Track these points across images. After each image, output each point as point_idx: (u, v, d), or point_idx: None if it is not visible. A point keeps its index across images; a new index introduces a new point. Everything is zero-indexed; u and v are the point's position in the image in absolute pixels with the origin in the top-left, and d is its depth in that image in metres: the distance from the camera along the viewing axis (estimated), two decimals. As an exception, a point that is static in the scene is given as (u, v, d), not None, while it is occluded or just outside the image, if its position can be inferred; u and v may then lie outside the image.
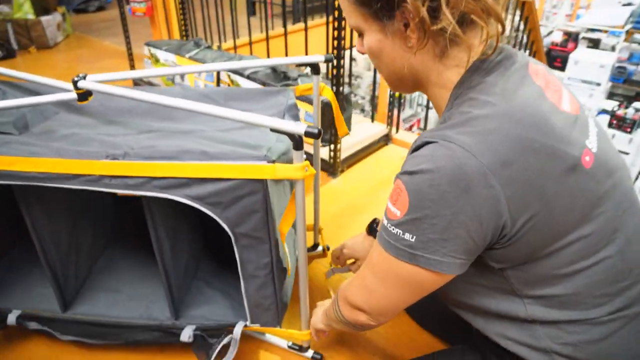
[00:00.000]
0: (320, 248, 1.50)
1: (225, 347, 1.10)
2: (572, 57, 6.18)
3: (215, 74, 2.27)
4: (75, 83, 1.00)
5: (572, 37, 7.50)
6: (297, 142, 0.84)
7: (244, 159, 0.88)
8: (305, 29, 2.31)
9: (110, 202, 1.43)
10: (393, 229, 0.67)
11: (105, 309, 1.22)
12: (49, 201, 1.08)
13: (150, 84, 2.75)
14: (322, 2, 4.56)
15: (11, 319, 1.18)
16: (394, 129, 2.31)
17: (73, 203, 1.19)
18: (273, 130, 0.85)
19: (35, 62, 3.68)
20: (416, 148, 0.68)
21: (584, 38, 7.62)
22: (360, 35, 0.77)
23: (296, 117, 1.13)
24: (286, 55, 2.52)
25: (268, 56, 2.60)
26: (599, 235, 0.67)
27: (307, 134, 0.81)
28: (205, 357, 1.09)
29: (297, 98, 1.21)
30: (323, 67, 6.26)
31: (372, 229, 1.17)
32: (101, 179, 0.92)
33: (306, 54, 2.44)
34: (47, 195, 1.05)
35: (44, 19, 3.83)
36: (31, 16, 3.75)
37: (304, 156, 0.87)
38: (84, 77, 1.01)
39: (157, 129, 1.05)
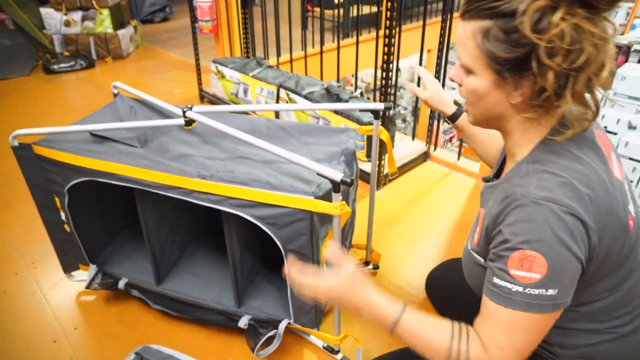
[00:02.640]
0: (371, 266, 1.72)
1: (271, 339, 1.34)
2: (620, 72, 6.13)
3: (275, 91, 2.57)
4: (184, 112, 1.31)
5: (622, 50, 7.39)
6: (335, 186, 1.05)
7: (297, 192, 1.10)
8: (357, 44, 2.57)
9: (200, 206, 1.75)
10: (534, 291, 0.74)
11: (187, 289, 1.51)
12: (157, 200, 1.40)
13: (217, 98, 3.09)
14: (370, 17, 4.81)
15: (120, 284, 1.54)
16: (432, 147, 2.53)
17: (173, 204, 1.50)
18: (318, 174, 1.07)
19: (111, 70, 4.11)
20: (523, 210, 0.75)
21: (635, 51, 7.48)
22: (468, 71, 0.82)
23: (350, 162, 1.35)
24: (338, 70, 2.79)
25: (321, 71, 2.88)
26: (624, 276, 0.84)
27: (343, 182, 1.02)
28: (253, 344, 1.34)
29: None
30: (370, 79, 6.46)
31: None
32: (192, 192, 1.22)
33: (356, 68, 2.70)
34: (156, 196, 1.36)
35: (120, 32, 4.27)
36: (110, 30, 4.19)
37: (341, 197, 1.06)
38: (190, 108, 1.32)
39: (241, 154, 1.33)
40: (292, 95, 2.46)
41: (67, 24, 4.11)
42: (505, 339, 0.78)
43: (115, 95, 1.69)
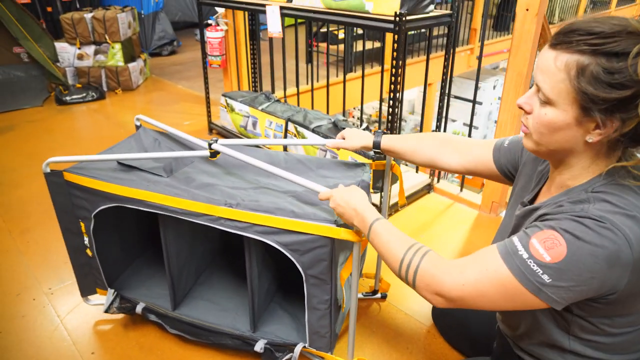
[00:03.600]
0: (379, 295, 1.77)
1: None
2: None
3: (283, 124, 2.67)
4: (209, 145, 1.40)
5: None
6: None
7: (320, 220, 1.19)
8: (362, 77, 2.69)
9: (217, 233, 1.81)
10: (534, 266, 0.75)
11: (203, 315, 1.57)
12: (178, 226, 1.47)
13: (226, 130, 3.19)
14: (372, 53, 4.98)
15: (138, 308, 1.59)
16: (435, 179, 2.62)
17: (193, 230, 1.57)
18: None
19: (121, 102, 4.24)
20: (580, 216, 0.75)
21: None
22: (547, 102, 0.79)
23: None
24: (344, 103, 2.90)
25: (327, 105, 2.99)
26: None
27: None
28: None
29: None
30: (371, 111, 6.61)
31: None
32: (219, 219, 1.29)
33: (362, 102, 2.81)
34: (178, 223, 1.43)
35: (131, 65, 4.42)
36: (121, 63, 4.34)
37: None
38: (216, 141, 1.42)
39: (263, 184, 1.41)
40: (300, 129, 2.56)
41: (80, 57, 4.26)
42: (474, 275, 0.81)
43: (137, 127, 1.77)
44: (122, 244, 1.73)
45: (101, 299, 1.67)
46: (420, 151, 1.28)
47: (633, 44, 0.69)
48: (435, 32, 4.89)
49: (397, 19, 1.92)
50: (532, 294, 0.77)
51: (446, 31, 2.29)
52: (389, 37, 2.16)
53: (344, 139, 1.44)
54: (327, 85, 2.94)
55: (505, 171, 1.17)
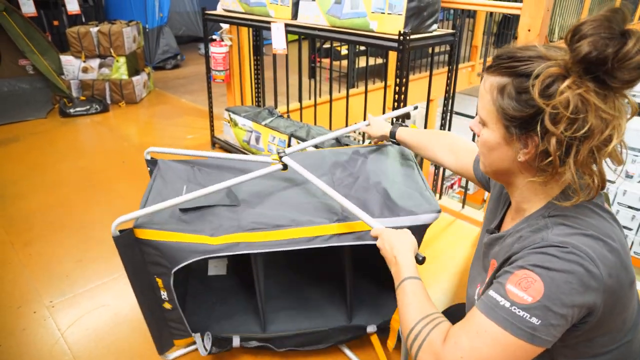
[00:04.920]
0: None
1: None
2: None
3: (287, 139, 2.68)
4: (280, 157, 1.44)
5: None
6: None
7: (419, 213, 1.30)
8: (365, 93, 2.71)
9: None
10: (519, 312, 0.74)
11: (296, 324, 1.54)
12: (265, 256, 1.41)
13: (229, 145, 3.21)
14: (374, 69, 5.03)
15: (235, 342, 1.48)
16: (437, 195, 2.63)
17: (273, 255, 1.47)
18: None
19: (125, 115, 4.27)
20: (542, 246, 0.76)
21: None
22: (483, 123, 0.87)
23: None
24: (346, 118, 2.92)
25: (330, 121, 3.01)
26: (627, 327, 0.85)
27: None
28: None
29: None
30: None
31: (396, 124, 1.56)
32: (331, 237, 1.28)
33: (364, 116, 2.83)
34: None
35: (135, 78, 4.46)
36: (125, 76, 4.38)
37: None
38: (285, 153, 1.46)
39: (329, 191, 1.40)
40: (303, 145, 2.57)
41: (85, 70, 4.30)
42: (468, 342, 0.78)
43: (148, 161, 1.66)
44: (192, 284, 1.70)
45: (180, 351, 1.58)
46: (429, 150, 1.39)
47: (538, 66, 0.76)
48: (437, 49, 4.95)
49: (401, 38, 1.94)
50: (526, 343, 0.75)
51: (448, 48, 2.32)
52: (391, 53, 2.19)
53: (369, 124, 1.63)
54: (330, 101, 2.96)
55: (484, 184, 1.20)
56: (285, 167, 1.43)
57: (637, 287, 0.86)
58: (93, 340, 1.66)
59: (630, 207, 6.00)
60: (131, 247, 1.28)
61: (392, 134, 1.54)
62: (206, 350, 1.42)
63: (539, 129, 0.76)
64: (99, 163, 3.21)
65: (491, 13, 4.48)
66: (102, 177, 2.98)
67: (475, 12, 5.32)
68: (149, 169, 1.67)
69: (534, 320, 0.73)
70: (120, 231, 1.24)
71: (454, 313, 1.55)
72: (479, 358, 0.76)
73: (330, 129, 2.94)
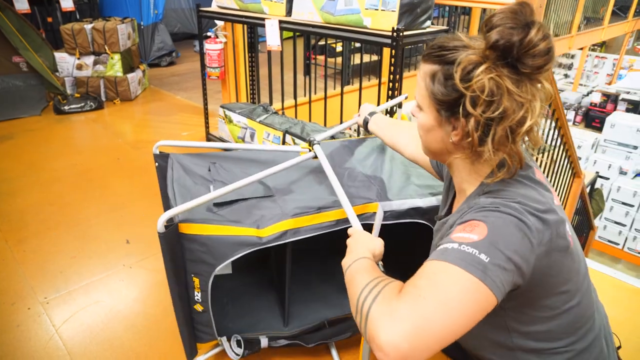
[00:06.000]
0: None
1: None
2: (609, 120, 6.31)
3: (281, 136, 2.69)
4: (312, 144, 1.48)
5: (611, 99, 7.64)
6: None
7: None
8: (360, 90, 2.72)
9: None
10: (468, 249, 0.74)
11: (318, 314, 1.54)
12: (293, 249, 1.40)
13: (224, 141, 3.21)
14: (368, 66, 5.03)
15: (264, 342, 1.45)
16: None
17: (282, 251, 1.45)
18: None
19: (119, 112, 4.26)
20: (478, 208, 0.82)
21: (623, 100, 7.72)
22: (419, 108, 0.94)
23: None
24: (341, 115, 2.93)
25: (325, 117, 3.01)
26: (572, 291, 0.92)
27: None
28: None
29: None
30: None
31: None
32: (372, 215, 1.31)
33: (359, 113, 2.83)
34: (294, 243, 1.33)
35: (130, 75, 4.45)
36: (120, 74, 4.37)
37: None
38: (318, 142, 1.49)
39: (357, 175, 1.52)
40: (298, 141, 2.58)
41: (80, 67, 4.28)
42: (425, 282, 0.73)
43: (157, 156, 1.55)
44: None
45: (205, 355, 1.52)
46: (394, 139, 1.44)
47: (462, 55, 0.83)
48: (431, 46, 4.94)
49: (395, 34, 1.95)
50: (480, 281, 0.72)
51: (442, 46, 2.33)
52: (386, 50, 2.20)
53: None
54: (325, 98, 2.97)
55: (439, 173, 1.26)
56: (315, 156, 1.43)
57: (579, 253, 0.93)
58: (87, 336, 1.66)
59: (624, 203, 6.04)
60: (175, 243, 1.22)
61: (365, 124, 1.59)
62: (237, 354, 1.37)
63: (461, 111, 0.83)
64: (94, 160, 3.21)
65: (484, 10, 4.49)
66: (96, 174, 2.98)
67: (470, 9, 5.33)
68: (157, 164, 1.55)
69: (483, 257, 0.74)
70: (166, 226, 1.17)
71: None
72: (438, 294, 0.71)
73: (325, 125, 2.95)
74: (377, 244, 1.01)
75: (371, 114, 1.59)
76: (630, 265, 5.95)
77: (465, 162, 0.93)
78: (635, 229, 5.89)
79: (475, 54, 0.82)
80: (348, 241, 1.05)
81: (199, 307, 1.35)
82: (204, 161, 1.58)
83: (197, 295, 1.32)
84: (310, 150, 1.49)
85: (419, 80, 0.92)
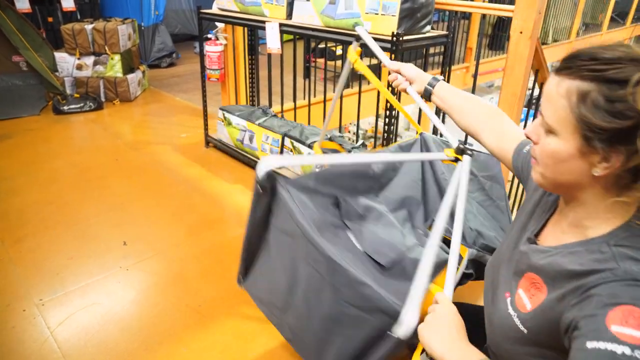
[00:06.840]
0: None
1: None
2: None
3: (280, 139, 2.69)
4: (463, 152, 1.17)
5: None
6: None
7: None
8: (359, 93, 2.72)
9: None
10: None
11: None
12: None
13: (222, 143, 3.21)
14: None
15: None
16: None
17: None
18: None
19: (119, 113, 4.25)
20: (631, 279, 0.66)
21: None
22: (549, 131, 0.74)
23: None
24: (340, 118, 2.92)
25: (324, 120, 3.01)
26: None
27: None
28: None
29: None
30: (367, 126, 6.63)
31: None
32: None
33: (358, 118, 2.84)
34: None
35: (129, 76, 4.45)
36: (120, 74, 4.37)
37: None
38: (468, 145, 1.19)
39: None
40: (297, 144, 2.58)
41: (79, 67, 4.28)
42: None
43: (264, 179, 1.07)
44: None
45: None
46: (468, 119, 1.16)
47: (635, 71, 0.65)
48: (431, 50, 4.96)
49: (394, 38, 1.95)
50: None
51: (442, 49, 2.33)
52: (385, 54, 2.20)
53: (409, 82, 1.30)
54: (324, 101, 2.97)
55: (521, 176, 1.07)
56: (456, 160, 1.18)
57: None
58: (83, 339, 1.65)
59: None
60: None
61: (428, 93, 1.24)
62: None
63: (638, 143, 0.65)
64: (92, 160, 3.20)
65: (484, 15, 4.50)
66: (95, 174, 2.97)
67: (470, 13, 5.34)
68: (259, 187, 1.08)
69: None
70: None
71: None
72: None
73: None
74: (460, 324, 0.84)
75: (431, 81, 1.23)
76: None
77: (601, 197, 0.73)
78: None
79: None
80: (432, 313, 0.87)
81: None
82: (325, 187, 1.28)
83: None
84: (458, 160, 1.17)
85: (554, 98, 0.72)
